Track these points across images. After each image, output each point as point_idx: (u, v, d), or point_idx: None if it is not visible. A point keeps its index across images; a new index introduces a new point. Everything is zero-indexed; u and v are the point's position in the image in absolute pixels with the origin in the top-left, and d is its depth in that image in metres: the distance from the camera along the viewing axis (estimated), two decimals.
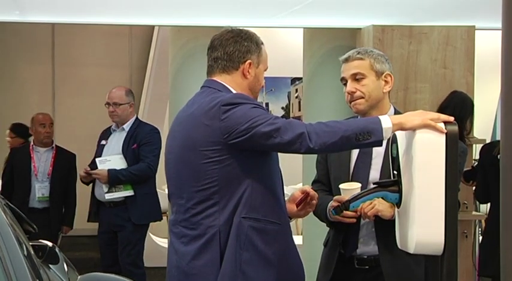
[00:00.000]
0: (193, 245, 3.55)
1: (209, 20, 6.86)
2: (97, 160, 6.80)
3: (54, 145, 7.69)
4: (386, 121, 3.36)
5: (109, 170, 6.64)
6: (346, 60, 3.90)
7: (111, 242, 6.83)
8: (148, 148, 6.58)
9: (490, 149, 6.23)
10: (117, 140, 6.84)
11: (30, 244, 3.95)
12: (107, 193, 6.68)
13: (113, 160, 6.72)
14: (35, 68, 12.24)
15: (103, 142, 6.94)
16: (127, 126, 6.83)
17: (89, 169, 6.81)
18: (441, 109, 6.19)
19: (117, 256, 6.82)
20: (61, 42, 12.34)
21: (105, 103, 6.91)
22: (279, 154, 3.60)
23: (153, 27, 11.49)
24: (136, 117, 6.95)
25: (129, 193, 6.65)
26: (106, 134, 7.00)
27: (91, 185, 6.92)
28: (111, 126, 6.97)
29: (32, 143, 7.63)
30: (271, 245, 3.50)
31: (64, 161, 7.65)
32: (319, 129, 3.36)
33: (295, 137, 3.35)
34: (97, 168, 6.74)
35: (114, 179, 6.64)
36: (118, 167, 6.68)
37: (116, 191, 6.68)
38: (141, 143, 6.65)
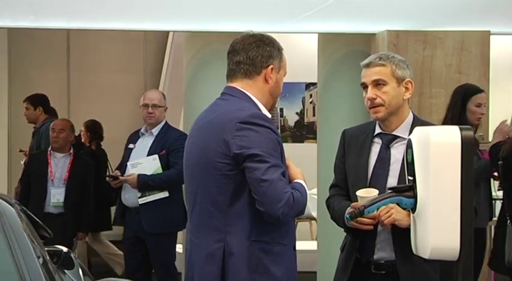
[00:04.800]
0: (199, 253, 3.57)
1: (223, 25, 6.87)
2: (129, 163, 6.72)
3: (71, 151, 7.70)
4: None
5: (139, 176, 6.59)
6: (368, 65, 3.88)
7: (136, 248, 6.79)
8: (178, 153, 6.47)
9: (496, 151, 6.14)
10: (145, 144, 6.78)
11: (46, 249, 3.96)
12: (140, 197, 6.63)
13: (145, 162, 6.66)
14: (50, 74, 12.28)
15: (131, 146, 6.88)
16: (156, 130, 6.76)
17: (119, 173, 6.78)
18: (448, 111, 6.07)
19: (141, 262, 6.80)
20: (76, 47, 12.37)
21: (141, 105, 6.82)
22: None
23: (167, 32, 11.52)
24: (166, 122, 6.86)
25: (164, 194, 6.61)
26: (134, 137, 6.94)
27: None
28: (139, 129, 6.91)
29: (50, 148, 7.65)
30: (280, 266, 3.54)
31: (81, 168, 7.65)
32: (293, 207, 3.45)
33: (274, 201, 3.41)
34: (125, 172, 6.70)
35: (144, 185, 6.59)
36: (150, 170, 6.63)
37: (149, 195, 6.65)
38: (170, 149, 6.60)
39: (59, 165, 7.56)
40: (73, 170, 7.56)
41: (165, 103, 6.83)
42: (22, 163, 9.09)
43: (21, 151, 9.37)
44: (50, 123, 8.19)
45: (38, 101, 8.65)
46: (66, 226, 7.45)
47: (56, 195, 7.46)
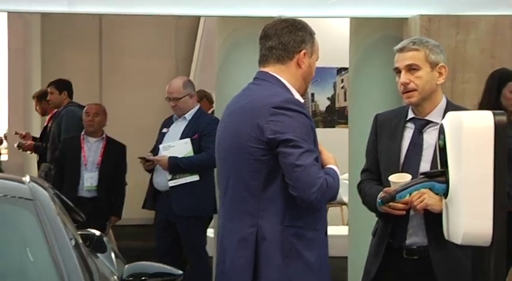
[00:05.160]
0: (231, 238, 3.58)
1: (255, 10, 6.86)
2: (160, 146, 6.78)
3: (104, 136, 7.75)
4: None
5: (170, 158, 6.64)
6: (401, 50, 3.85)
7: (167, 232, 6.84)
8: (210, 138, 6.49)
9: None
10: (178, 128, 6.83)
11: (79, 232, 3.99)
12: (170, 180, 6.68)
13: (177, 145, 6.71)
14: (83, 59, 12.34)
15: (164, 130, 6.93)
16: (189, 115, 6.80)
17: (151, 155, 6.82)
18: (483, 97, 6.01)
19: (172, 245, 6.85)
20: (108, 32, 12.42)
21: (165, 97, 6.90)
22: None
23: (198, 18, 11.52)
24: (199, 107, 6.92)
25: (194, 178, 6.65)
26: (168, 122, 6.98)
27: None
28: (174, 114, 6.96)
29: (83, 133, 7.70)
30: (312, 251, 3.55)
31: (114, 152, 7.70)
32: (326, 193, 3.47)
33: (308, 186, 3.42)
34: (158, 155, 6.74)
35: (174, 166, 6.63)
36: (182, 153, 6.67)
37: (179, 178, 6.69)
38: (202, 133, 6.64)
39: (92, 149, 7.61)
40: (106, 154, 7.61)
41: (191, 90, 6.85)
42: (15, 146, 9.20)
43: (16, 133, 9.43)
44: (71, 107, 8.27)
45: (63, 85, 8.67)
46: (99, 209, 7.50)
47: (89, 179, 7.51)
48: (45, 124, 9.39)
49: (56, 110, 8.74)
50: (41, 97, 9.53)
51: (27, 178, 3.81)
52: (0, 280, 3.22)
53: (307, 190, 3.43)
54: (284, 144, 3.43)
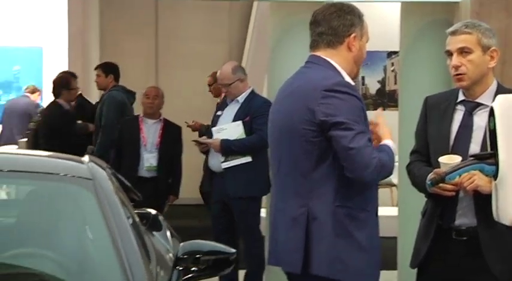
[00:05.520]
0: (283, 218, 3.59)
1: None
2: (213, 129, 6.86)
3: (162, 118, 7.82)
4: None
5: (222, 141, 6.69)
6: (453, 33, 3.81)
7: (223, 212, 6.89)
8: (261, 120, 6.53)
9: None
10: (231, 111, 6.88)
11: (135, 211, 4.02)
12: (223, 162, 6.73)
13: (229, 128, 6.77)
14: (139, 43, 12.41)
15: (219, 113, 7.00)
16: (241, 98, 6.86)
17: (205, 138, 6.90)
18: None
19: (227, 225, 6.89)
20: (164, 17, 12.47)
21: (217, 83, 6.98)
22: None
23: (252, 2, 11.50)
24: (252, 90, 6.95)
25: (247, 159, 6.70)
26: (223, 105, 7.06)
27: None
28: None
29: (141, 115, 7.77)
30: (363, 231, 3.54)
31: (171, 133, 7.78)
32: (381, 170, 3.49)
33: (361, 167, 3.44)
34: (212, 137, 6.80)
35: (227, 149, 6.69)
36: (234, 136, 6.72)
37: (232, 160, 6.73)
38: (254, 115, 6.67)
39: (150, 130, 7.68)
40: (164, 135, 7.69)
41: (241, 74, 6.90)
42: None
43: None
44: (113, 92, 8.30)
45: (110, 69, 8.69)
46: (157, 189, 7.59)
47: (149, 159, 7.59)
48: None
49: (102, 94, 8.74)
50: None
51: (86, 158, 3.85)
52: (61, 256, 3.27)
53: (362, 171, 3.44)
54: (336, 127, 3.43)
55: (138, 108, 8.40)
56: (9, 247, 3.32)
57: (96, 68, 8.82)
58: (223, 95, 9.62)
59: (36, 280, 3.14)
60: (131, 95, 8.55)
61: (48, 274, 3.17)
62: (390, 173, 3.61)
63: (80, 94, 9.51)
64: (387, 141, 3.63)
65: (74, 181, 3.55)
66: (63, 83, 8.64)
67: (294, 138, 3.54)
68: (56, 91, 8.59)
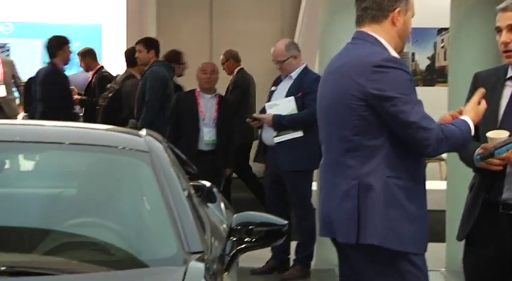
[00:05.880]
0: (334, 191, 3.59)
1: None
2: (266, 104, 6.93)
3: (217, 93, 7.86)
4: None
5: (274, 116, 6.74)
6: (504, 9, 3.75)
7: (276, 184, 6.95)
8: (313, 95, 6.51)
9: None
10: (284, 87, 6.93)
11: (191, 183, 4.05)
12: (275, 136, 6.79)
13: (281, 103, 6.82)
14: (194, 21, 12.44)
15: (273, 88, 7.06)
16: (294, 74, 6.90)
17: (257, 114, 6.97)
18: None
19: (279, 197, 6.94)
20: None
21: (271, 60, 6.98)
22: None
23: None
24: (305, 66, 6.98)
25: (298, 134, 6.74)
26: (277, 81, 7.11)
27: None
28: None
29: (197, 89, 7.82)
30: (413, 201, 3.53)
31: (226, 108, 7.84)
32: (443, 142, 3.46)
33: (423, 139, 3.44)
34: (265, 113, 6.86)
35: (278, 124, 6.74)
36: (286, 111, 6.76)
37: (284, 134, 6.77)
38: (305, 91, 6.70)
39: (207, 105, 7.73)
40: (221, 109, 7.74)
41: (294, 51, 6.93)
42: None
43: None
44: (155, 67, 8.31)
45: (151, 44, 8.64)
46: (215, 162, 7.66)
47: (208, 133, 7.65)
48: (89, 80, 9.60)
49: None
50: (84, 54, 9.89)
51: (143, 132, 3.88)
52: (119, 226, 3.31)
53: (423, 142, 3.44)
54: (389, 102, 3.42)
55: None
56: (71, 216, 3.38)
57: (137, 43, 8.72)
58: (235, 72, 9.72)
59: (96, 248, 3.19)
60: (171, 70, 8.57)
61: (107, 242, 3.21)
62: (462, 146, 3.61)
63: (102, 67, 9.62)
64: (465, 117, 3.60)
65: (132, 153, 3.59)
66: (176, 58, 8.84)
67: (343, 113, 3.54)
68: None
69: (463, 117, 3.61)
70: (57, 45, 8.85)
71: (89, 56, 9.74)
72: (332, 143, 3.64)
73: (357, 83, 3.48)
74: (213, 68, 7.85)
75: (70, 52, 8.92)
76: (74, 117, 8.84)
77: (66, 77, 9.05)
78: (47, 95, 8.60)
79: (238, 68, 9.83)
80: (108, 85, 9.15)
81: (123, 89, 8.81)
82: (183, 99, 7.87)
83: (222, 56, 9.52)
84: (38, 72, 9.02)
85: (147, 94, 8.15)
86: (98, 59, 9.95)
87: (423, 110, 3.48)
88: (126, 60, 9.01)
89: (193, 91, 7.83)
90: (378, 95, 3.44)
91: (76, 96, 9.50)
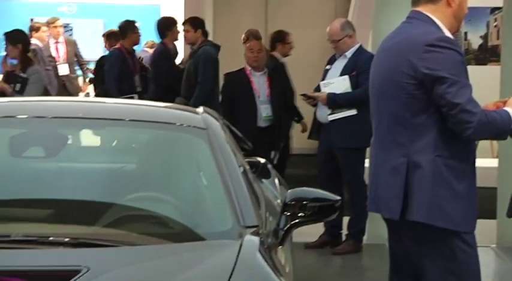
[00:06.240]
0: (383, 167, 3.58)
1: None
2: (320, 83, 6.92)
3: (266, 70, 7.85)
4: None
5: (328, 94, 6.74)
6: None
7: (329, 160, 6.96)
8: (367, 74, 6.49)
9: None
10: (339, 65, 6.91)
11: (246, 160, 4.06)
12: (329, 114, 6.80)
13: (336, 82, 6.82)
14: (250, 1, 12.42)
15: (327, 67, 7.05)
16: (349, 53, 6.88)
17: (312, 92, 6.95)
18: None
19: (332, 173, 6.94)
20: None
21: (327, 39, 7.03)
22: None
23: None
24: (360, 45, 6.96)
25: (351, 112, 6.73)
26: (332, 60, 7.10)
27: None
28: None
29: (247, 67, 7.81)
30: (461, 181, 3.50)
31: (277, 84, 7.84)
32: (485, 127, 3.42)
33: (465, 121, 3.39)
34: (320, 91, 6.87)
35: (333, 102, 6.75)
36: (340, 90, 6.76)
37: (338, 112, 6.77)
38: (360, 70, 6.67)
39: (260, 82, 7.75)
40: (272, 86, 7.75)
41: (349, 31, 6.90)
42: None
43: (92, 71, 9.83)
44: (207, 47, 8.31)
45: (198, 23, 8.63)
46: (272, 138, 7.71)
47: (265, 110, 7.68)
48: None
49: (191, 48, 8.73)
50: (109, 35, 10.03)
51: (200, 109, 3.90)
52: (177, 200, 3.34)
53: (465, 125, 3.40)
54: (439, 81, 3.39)
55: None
56: (131, 191, 3.41)
57: (184, 23, 8.75)
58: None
59: (154, 221, 3.22)
60: (218, 49, 8.58)
61: (166, 216, 3.24)
62: (501, 135, 3.57)
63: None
64: (508, 108, 3.55)
65: (189, 130, 3.61)
66: (281, 38, 8.89)
67: (395, 91, 3.51)
68: (273, 46, 8.82)
69: (506, 108, 3.54)
70: (167, 26, 9.01)
71: (113, 38, 9.87)
72: (382, 120, 3.62)
73: (409, 61, 3.45)
74: (259, 46, 7.86)
75: (178, 32, 9.04)
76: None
77: (174, 57, 9.08)
78: (158, 74, 8.65)
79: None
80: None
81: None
82: (234, 79, 7.87)
83: (243, 35, 9.42)
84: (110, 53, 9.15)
85: (200, 74, 8.17)
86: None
87: (470, 93, 3.43)
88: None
89: (242, 70, 7.83)
90: (428, 74, 3.41)
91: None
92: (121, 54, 8.83)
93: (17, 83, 7.71)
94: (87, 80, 11.29)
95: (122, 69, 8.73)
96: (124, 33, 8.99)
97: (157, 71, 8.71)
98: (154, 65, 8.81)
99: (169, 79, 8.59)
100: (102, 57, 9.77)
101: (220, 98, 8.04)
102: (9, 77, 7.88)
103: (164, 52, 8.85)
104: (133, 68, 8.94)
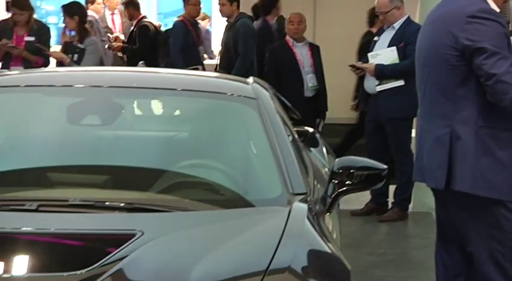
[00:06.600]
0: (428, 138, 3.56)
1: None
2: (369, 54, 6.91)
3: (307, 41, 7.86)
4: None
5: (376, 65, 6.72)
6: None
7: (377, 130, 6.95)
8: (414, 46, 6.42)
9: None
10: (387, 37, 6.88)
11: (295, 129, 4.06)
12: (377, 85, 6.77)
13: (383, 53, 6.78)
14: None
15: (376, 38, 7.02)
16: (397, 25, 6.84)
17: (360, 63, 6.96)
18: None
19: (380, 143, 6.93)
20: None
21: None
22: None
23: None
24: (408, 17, 6.91)
25: (399, 83, 6.70)
26: (380, 31, 7.07)
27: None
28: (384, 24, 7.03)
29: (289, 39, 7.81)
30: (505, 149, 3.46)
31: (318, 54, 7.85)
32: None
33: (501, 92, 3.36)
34: (368, 62, 6.85)
35: (380, 73, 6.73)
36: (388, 61, 6.73)
37: (385, 83, 6.74)
38: (407, 41, 6.62)
39: (302, 53, 7.76)
40: (313, 56, 7.74)
41: (397, 2, 6.83)
42: (106, 46, 9.59)
43: (108, 36, 9.81)
44: (245, 19, 8.26)
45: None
46: (317, 108, 7.75)
47: (311, 79, 7.70)
48: (132, 28, 9.63)
49: (227, 20, 8.67)
50: (128, 4, 9.98)
51: (250, 79, 3.90)
52: (228, 167, 3.35)
53: (501, 96, 3.37)
54: (478, 52, 3.35)
55: None
56: (183, 158, 3.44)
57: None
58: (274, 19, 9.49)
59: (206, 188, 3.24)
60: (253, 21, 8.57)
61: (217, 183, 3.26)
62: None
63: (144, 16, 9.63)
64: None
65: (240, 99, 3.61)
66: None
67: (438, 63, 3.49)
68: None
69: None
70: (272, 3, 9.08)
71: (132, 6, 9.91)
72: (427, 91, 3.61)
73: (451, 33, 3.43)
74: (300, 18, 7.84)
75: (280, 8, 9.13)
76: None
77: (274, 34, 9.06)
78: (258, 49, 8.58)
79: (277, 16, 9.63)
80: None
81: None
82: (278, 51, 7.86)
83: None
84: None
85: (241, 46, 8.14)
86: (140, 9, 10.03)
87: (509, 65, 3.37)
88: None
89: (285, 42, 7.82)
90: (469, 45, 3.38)
91: (119, 44, 9.75)
92: (184, 26, 8.84)
93: (74, 54, 7.80)
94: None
95: (186, 41, 8.72)
96: (185, 4, 8.96)
97: (256, 48, 8.36)
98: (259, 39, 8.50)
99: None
100: (166, 31, 9.78)
101: (265, 69, 8.02)
102: (68, 48, 7.98)
103: (266, 28, 8.78)
104: (196, 39, 8.93)
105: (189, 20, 8.89)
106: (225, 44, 8.41)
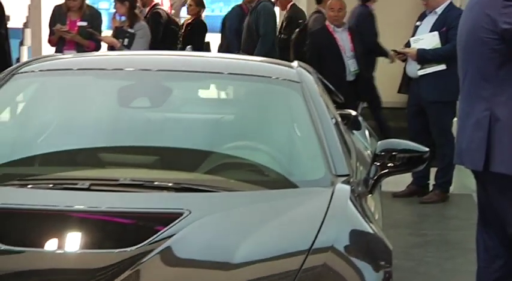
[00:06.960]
0: (468, 120, 3.52)
1: None
2: (411, 39, 6.88)
3: (347, 26, 7.85)
4: None
5: (418, 50, 6.69)
6: None
7: (418, 114, 6.92)
8: (456, 31, 6.36)
9: None
10: (429, 21, 6.84)
11: (338, 112, 4.04)
12: (419, 69, 6.74)
13: (426, 38, 6.75)
14: None
15: (418, 23, 6.98)
16: (439, 9, 6.79)
17: (402, 48, 6.94)
18: None
19: (421, 126, 6.90)
20: None
21: None
22: None
23: None
24: (450, 2, 6.84)
25: (441, 67, 6.66)
26: (422, 16, 7.02)
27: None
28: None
29: (329, 25, 7.79)
30: None
31: (360, 39, 7.83)
32: None
33: None
34: (410, 47, 6.82)
35: (422, 58, 6.69)
36: (430, 45, 6.69)
37: (427, 67, 6.71)
38: (450, 26, 6.58)
39: (343, 38, 7.74)
40: (354, 41, 7.70)
41: None
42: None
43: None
44: (266, 3, 8.23)
45: None
46: (359, 91, 7.71)
47: (353, 64, 7.68)
48: (145, 15, 9.48)
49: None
50: None
51: (295, 63, 3.89)
52: (273, 149, 3.36)
53: None
54: (509, 32, 3.29)
55: None
56: (229, 140, 3.45)
57: None
58: (288, 6, 9.44)
59: (251, 169, 3.25)
60: (273, 5, 8.55)
61: (262, 164, 3.26)
62: None
63: (156, 4, 9.51)
64: None
65: (285, 83, 3.61)
66: None
67: (478, 46, 3.45)
68: None
69: None
70: None
71: None
72: (467, 75, 3.57)
73: (489, 16, 3.39)
74: (340, 5, 7.82)
75: None
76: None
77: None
78: (361, 36, 8.37)
79: (290, 4, 9.57)
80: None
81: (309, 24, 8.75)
82: (319, 36, 7.84)
83: None
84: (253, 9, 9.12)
85: (262, 28, 8.20)
86: None
87: None
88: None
89: (325, 27, 7.79)
90: (507, 29, 3.32)
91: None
92: (241, 11, 8.87)
93: (125, 38, 7.86)
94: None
95: (241, 25, 8.74)
96: None
97: (361, 33, 8.19)
98: (359, 26, 8.37)
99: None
100: (225, 16, 9.76)
101: (307, 55, 7.99)
102: (118, 32, 8.05)
103: (368, 14, 8.71)
104: None
105: (247, 5, 8.92)
106: (248, 27, 8.46)
